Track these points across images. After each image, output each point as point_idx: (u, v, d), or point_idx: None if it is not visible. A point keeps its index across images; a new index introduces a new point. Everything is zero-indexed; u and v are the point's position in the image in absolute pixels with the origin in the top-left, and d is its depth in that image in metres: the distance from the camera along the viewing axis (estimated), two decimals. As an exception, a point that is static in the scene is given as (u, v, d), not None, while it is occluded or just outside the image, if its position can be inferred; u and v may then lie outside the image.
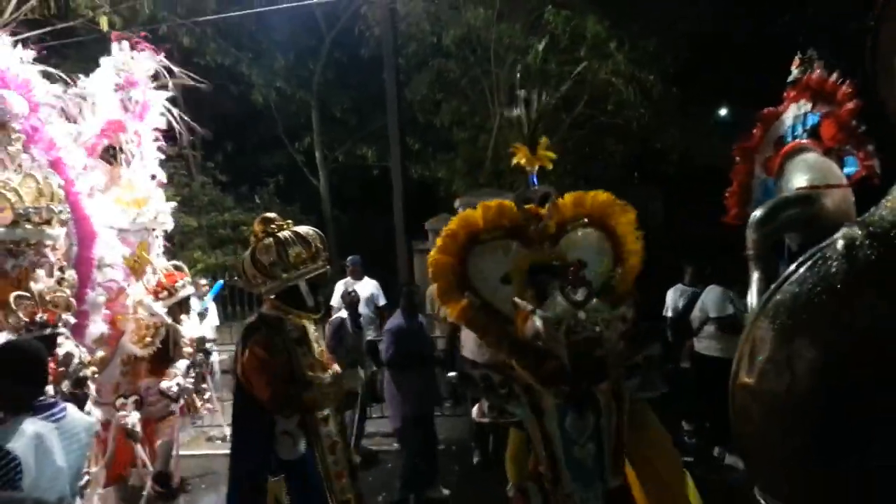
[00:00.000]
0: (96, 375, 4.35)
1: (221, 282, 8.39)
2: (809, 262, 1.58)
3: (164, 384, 4.68)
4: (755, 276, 3.37)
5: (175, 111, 5.25)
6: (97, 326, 4.15)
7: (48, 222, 3.79)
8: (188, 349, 4.95)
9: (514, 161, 3.28)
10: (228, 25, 13.23)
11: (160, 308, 4.78)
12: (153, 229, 5.05)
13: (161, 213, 5.10)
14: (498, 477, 6.28)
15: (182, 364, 4.85)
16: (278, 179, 16.02)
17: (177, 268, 5.22)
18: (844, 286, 1.47)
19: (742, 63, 13.05)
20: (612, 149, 13.71)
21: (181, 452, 5.59)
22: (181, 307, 5.06)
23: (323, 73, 15.70)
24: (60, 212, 3.86)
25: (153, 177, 5.21)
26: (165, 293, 4.91)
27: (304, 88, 15.69)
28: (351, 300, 6.85)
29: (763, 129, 3.93)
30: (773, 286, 1.66)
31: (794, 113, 3.75)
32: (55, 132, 4.11)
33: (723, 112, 15.95)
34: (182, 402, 4.85)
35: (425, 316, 6.47)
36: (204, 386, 5.22)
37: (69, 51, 10.24)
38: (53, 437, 2.59)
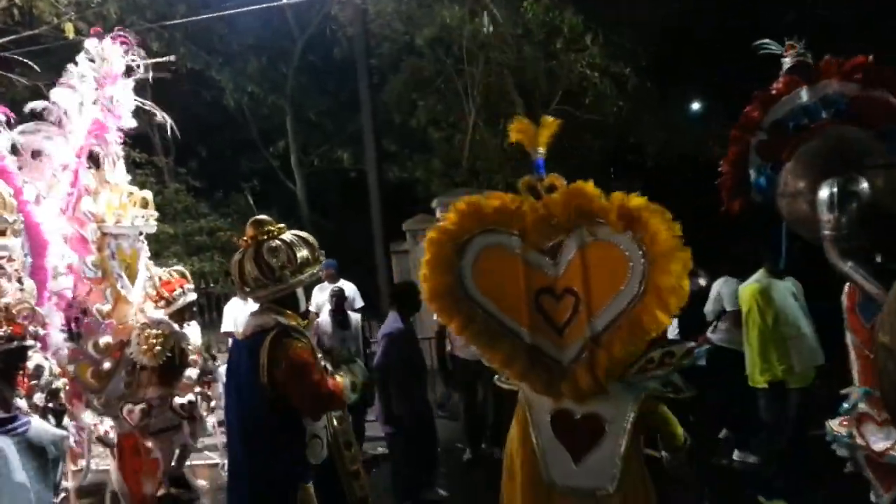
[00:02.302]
0: (107, 387, 4.26)
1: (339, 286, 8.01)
2: None
3: (178, 400, 4.56)
4: (847, 263, 3.09)
5: (159, 113, 5.09)
6: (56, 336, 4.05)
7: (3, 233, 3.68)
8: (194, 357, 4.80)
9: (512, 139, 3.09)
10: (198, 29, 13.06)
11: (164, 315, 4.64)
12: (140, 234, 4.91)
13: (151, 216, 4.96)
14: (489, 475, 6.28)
15: (192, 373, 4.71)
16: (254, 184, 15.87)
17: (181, 274, 5.06)
18: None
19: (713, 56, 13.18)
20: (588, 144, 13.75)
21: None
22: (183, 314, 4.89)
23: (296, 76, 15.56)
24: (14, 221, 3.74)
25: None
26: (163, 302, 4.77)
27: (278, 92, 15.54)
28: (337, 300, 6.75)
29: (762, 109, 3.78)
30: None
31: (808, 96, 3.62)
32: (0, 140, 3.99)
33: (696, 105, 16.06)
34: (195, 416, 4.71)
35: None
36: (210, 393, 5.06)
37: (35, 59, 10.06)
38: (10, 452, 2.51)
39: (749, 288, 5.39)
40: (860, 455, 3.49)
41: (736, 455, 6.16)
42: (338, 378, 3.57)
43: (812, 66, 3.72)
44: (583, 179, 2.87)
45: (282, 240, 3.44)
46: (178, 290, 4.84)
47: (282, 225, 3.61)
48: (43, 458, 2.62)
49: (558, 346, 2.92)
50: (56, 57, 9.70)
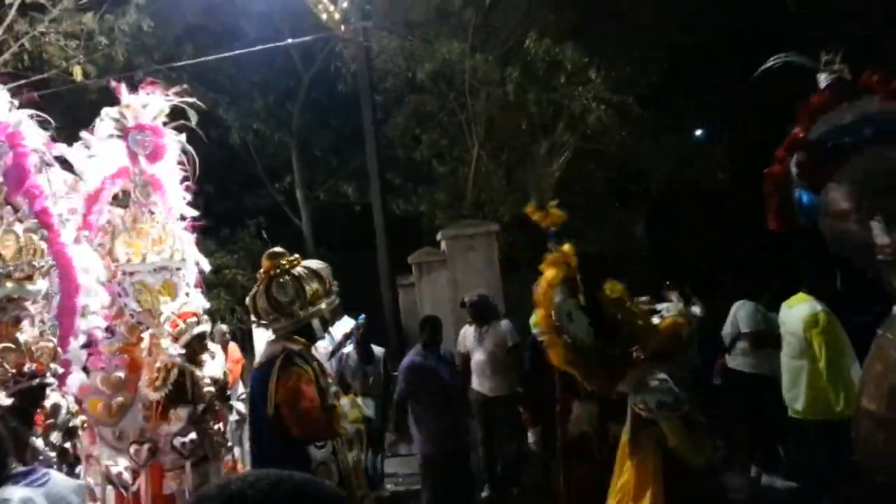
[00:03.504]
0: (120, 421, 4.25)
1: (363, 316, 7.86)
2: None
3: (178, 441, 4.50)
4: None
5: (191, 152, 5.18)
6: (77, 376, 4.08)
7: (30, 278, 3.74)
8: (210, 389, 4.72)
9: (534, 220, 4.08)
10: (205, 69, 13.28)
11: (173, 349, 4.62)
12: (178, 269, 4.92)
13: (178, 251, 4.97)
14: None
15: (184, 412, 4.64)
16: (259, 221, 15.95)
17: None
18: None
19: (715, 85, 13.31)
20: (591, 175, 13.82)
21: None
22: (193, 347, 4.81)
23: (301, 112, 15.76)
24: (42, 266, 3.81)
25: (182, 217, 5.13)
26: (169, 339, 4.74)
27: (283, 129, 15.72)
28: (363, 333, 6.70)
29: (807, 127, 3.60)
30: None
31: (849, 114, 3.49)
32: (41, 181, 4.08)
33: (699, 133, 16.14)
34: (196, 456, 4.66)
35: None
36: (226, 433, 4.98)
37: (43, 102, 10.22)
38: (40, 502, 2.51)
39: (821, 317, 5.11)
40: None
41: (764, 480, 6.05)
42: (338, 407, 3.61)
43: (850, 83, 3.58)
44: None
45: (291, 275, 3.52)
46: (181, 325, 4.80)
47: (295, 257, 3.70)
48: None
49: None
50: (65, 100, 9.90)
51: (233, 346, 8.51)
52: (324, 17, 9.87)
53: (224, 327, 8.44)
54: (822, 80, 3.60)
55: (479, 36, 12.48)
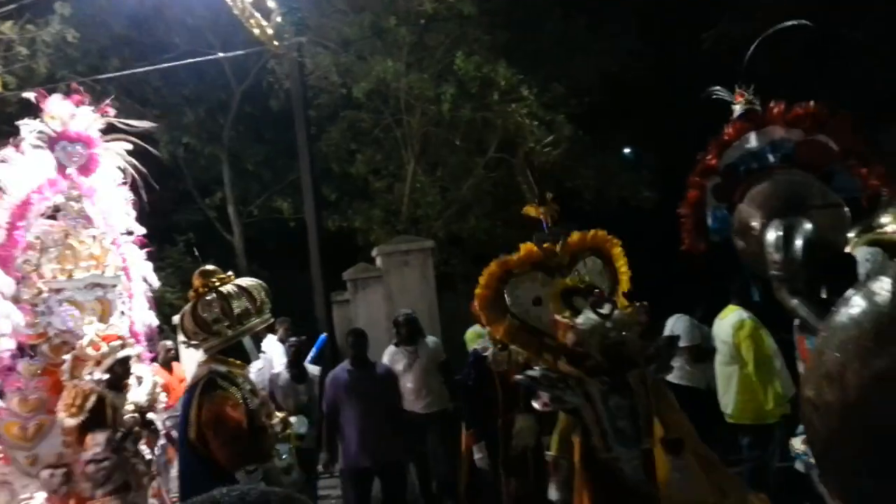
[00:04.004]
0: (37, 445, 4.04)
1: (325, 335, 7.86)
2: (865, 289, 1.69)
3: (91, 468, 4.28)
4: (794, 301, 3.24)
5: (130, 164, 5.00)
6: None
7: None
8: (132, 416, 4.49)
9: (526, 212, 4.39)
10: (132, 82, 12.92)
11: (95, 373, 4.41)
12: (113, 286, 4.70)
13: (114, 267, 4.75)
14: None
15: (101, 437, 4.42)
16: (189, 237, 15.53)
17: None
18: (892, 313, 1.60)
19: (645, 104, 13.76)
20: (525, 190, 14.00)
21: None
22: (114, 371, 4.58)
23: (234, 126, 15.47)
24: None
25: (130, 232, 4.94)
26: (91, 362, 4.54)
27: (215, 142, 15.39)
28: (295, 352, 6.62)
29: (717, 155, 3.96)
30: (833, 308, 1.80)
31: (757, 142, 3.83)
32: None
33: (629, 151, 16.60)
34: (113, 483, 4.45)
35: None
36: (151, 455, 4.77)
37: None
38: None
39: (747, 323, 5.51)
40: (815, 472, 3.66)
41: None
42: (269, 428, 3.53)
43: (760, 113, 3.94)
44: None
45: (219, 293, 3.43)
46: (104, 348, 4.61)
47: (227, 275, 3.60)
48: None
49: None
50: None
51: (177, 365, 8.23)
52: (256, 31, 9.74)
53: (169, 343, 8.12)
54: (737, 110, 4.02)
55: (415, 54, 12.55)
